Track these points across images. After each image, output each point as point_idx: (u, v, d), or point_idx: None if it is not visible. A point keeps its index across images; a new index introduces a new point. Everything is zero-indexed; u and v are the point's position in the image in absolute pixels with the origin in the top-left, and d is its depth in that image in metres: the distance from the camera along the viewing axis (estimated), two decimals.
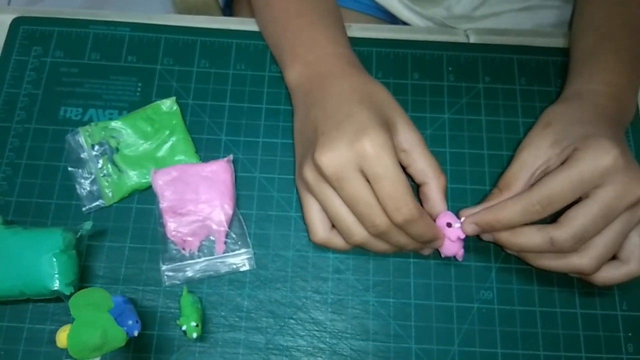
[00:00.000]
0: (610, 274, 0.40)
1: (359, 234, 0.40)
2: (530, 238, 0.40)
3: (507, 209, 0.40)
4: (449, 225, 0.42)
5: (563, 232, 0.38)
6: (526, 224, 0.40)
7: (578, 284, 0.44)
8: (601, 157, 0.38)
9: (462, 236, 0.42)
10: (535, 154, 0.42)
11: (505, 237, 0.41)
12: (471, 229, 0.41)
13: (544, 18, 0.61)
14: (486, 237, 0.43)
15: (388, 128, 0.40)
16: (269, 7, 0.49)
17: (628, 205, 0.38)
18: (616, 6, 0.48)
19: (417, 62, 0.51)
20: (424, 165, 0.42)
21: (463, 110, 0.49)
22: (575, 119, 0.42)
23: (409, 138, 0.42)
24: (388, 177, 0.37)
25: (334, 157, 0.38)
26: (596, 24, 0.47)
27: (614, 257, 0.41)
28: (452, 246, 0.42)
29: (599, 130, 0.40)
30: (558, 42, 0.52)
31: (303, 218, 0.44)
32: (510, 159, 0.44)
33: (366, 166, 0.38)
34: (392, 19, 0.63)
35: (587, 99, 0.44)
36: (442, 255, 0.43)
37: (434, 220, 0.42)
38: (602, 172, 0.37)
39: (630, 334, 0.42)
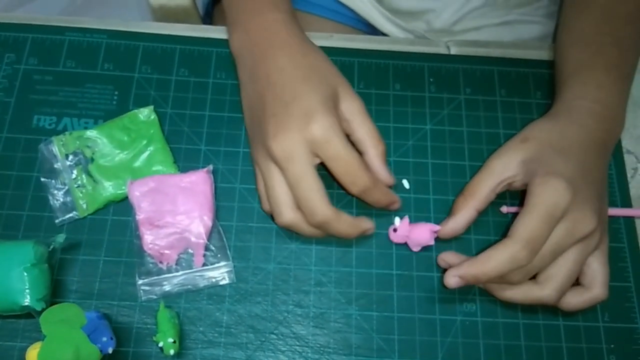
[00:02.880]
0: (575, 300, 0.41)
1: (288, 215, 0.41)
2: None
3: (493, 262, 0.39)
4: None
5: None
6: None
7: None
8: (561, 194, 0.39)
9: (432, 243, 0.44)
10: (505, 165, 0.43)
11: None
12: (454, 282, 0.40)
13: (523, 33, 0.62)
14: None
15: (334, 104, 0.42)
16: None
17: (577, 240, 0.39)
18: (604, 22, 0.48)
19: (398, 73, 0.51)
20: (362, 134, 0.43)
21: (445, 121, 0.49)
22: (553, 142, 0.43)
23: (350, 107, 0.43)
24: (339, 157, 0.40)
25: (284, 141, 0.40)
26: (586, 39, 0.48)
27: (577, 284, 0.42)
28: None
29: (566, 163, 0.41)
30: (538, 54, 0.53)
31: (257, 188, 0.44)
32: None
33: (318, 151, 0.40)
34: (374, 32, 0.64)
35: (575, 119, 0.44)
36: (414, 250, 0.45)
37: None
38: (564, 207, 0.39)
39: (612, 346, 0.43)
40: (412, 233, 0.44)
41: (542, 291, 0.40)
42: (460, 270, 0.40)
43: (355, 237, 0.43)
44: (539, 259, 0.39)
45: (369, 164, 0.44)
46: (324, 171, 0.41)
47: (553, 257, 0.39)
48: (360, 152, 0.44)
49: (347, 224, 0.41)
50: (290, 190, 0.41)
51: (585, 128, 0.43)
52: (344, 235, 0.42)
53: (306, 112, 0.40)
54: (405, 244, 0.44)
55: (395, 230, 0.44)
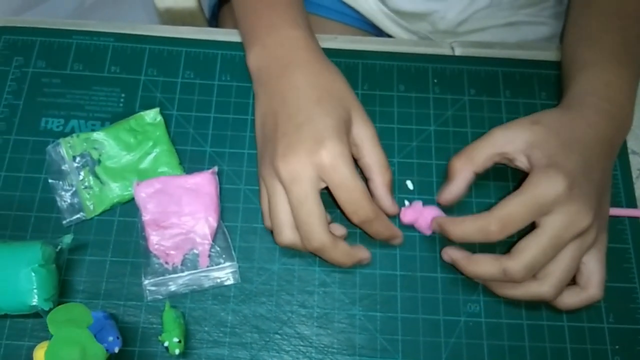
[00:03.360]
0: (572, 300, 0.42)
1: (288, 236, 0.41)
2: (485, 267, 0.41)
3: (465, 225, 0.41)
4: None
5: (515, 263, 0.39)
6: (483, 253, 0.42)
7: None
8: (553, 186, 0.39)
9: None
10: (510, 139, 0.43)
11: (463, 265, 0.42)
12: (433, 227, 0.44)
13: (529, 34, 0.61)
14: (446, 258, 0.44)
15: (346, 129, 0.42)
16: None
17: (575, 235, 0.39)
18: (613, 20, 0.48)
19: (402, 75, 0.51)
20: (370, 161, 0.43)
21: (449, 122, 0.49)
22: (562, 132, 0.42)
23: (361, 133, 0.43)
24: (345, 185, 0.40)
25: (292, 163, 0.40)
26: (595, 36, 0.47)
27: (573, 282, 0.42)
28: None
29: (570, 157, 0.41)
30: (543, 55, 0.53)
31: (260, 203, 0.44)
32: (496, 174, 0.45)
33: (324, 176, 0.40)
34: (378, 32, 0.64)
35: (583, 115, 0.44)
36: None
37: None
38: (553, 200, 0.39)
39: (617, 347, 0.42)
40: (422, 216, 0.44)
41: (540, 287, 0.40)
42: (440, 221, 0.43)
43: (349, 266, 0.43)
44: (542, 254, 0.39)
45: (373, 192, 0.44)
46: (324, 191, 0.41)
47: (555, 250, 0.39)
48: (366, 179, 0.44)
49: (343, 252, 0.42)
50: (292, 212, 0.41)
51: (592, 125, 0.43)
52: (339, 264, 0.42)
53: (317, 136, 0.40)
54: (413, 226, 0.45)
55: (406, 212, 0.45)
